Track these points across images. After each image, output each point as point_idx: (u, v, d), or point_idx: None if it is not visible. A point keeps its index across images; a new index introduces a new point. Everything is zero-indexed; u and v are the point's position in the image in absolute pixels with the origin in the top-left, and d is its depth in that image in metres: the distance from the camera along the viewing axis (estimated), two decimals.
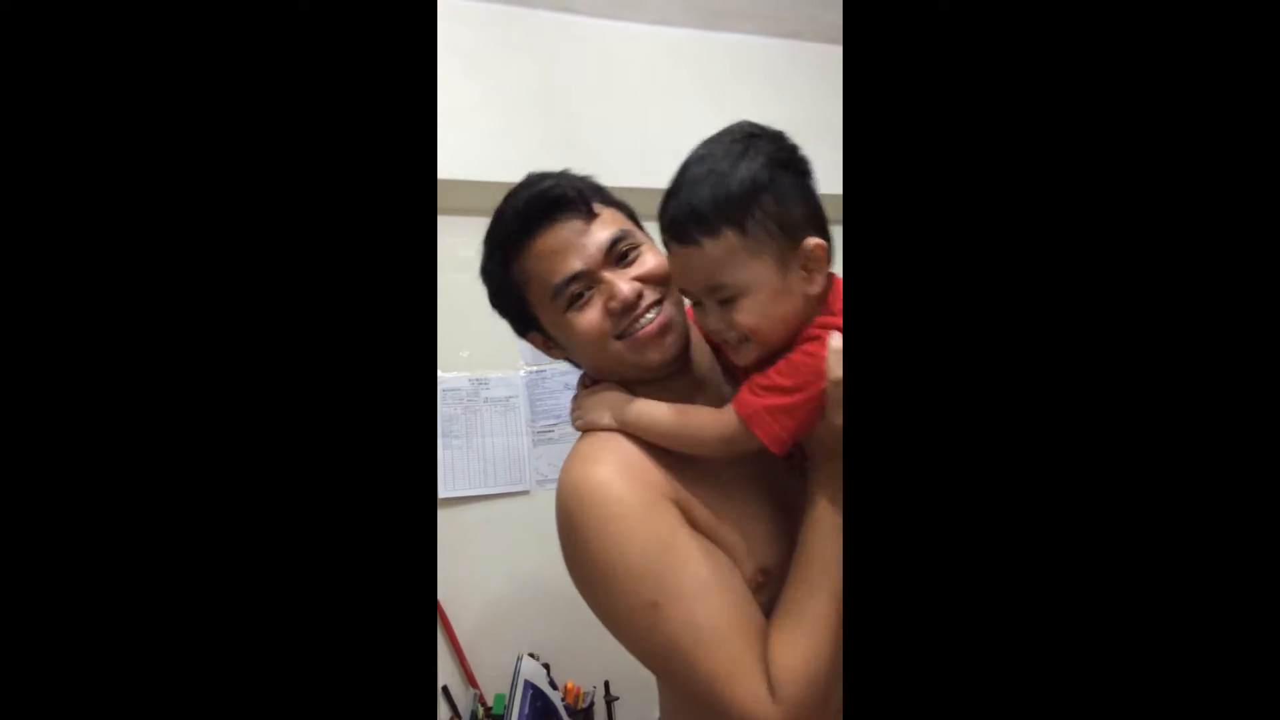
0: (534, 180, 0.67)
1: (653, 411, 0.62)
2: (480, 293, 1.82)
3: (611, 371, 0.65)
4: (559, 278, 0.62)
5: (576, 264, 0.62)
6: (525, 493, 1.54)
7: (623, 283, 0.62)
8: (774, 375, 0.56)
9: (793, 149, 0.59)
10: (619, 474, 0.60)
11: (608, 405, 0.64)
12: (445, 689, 1.33)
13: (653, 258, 0.64)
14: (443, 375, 1.57)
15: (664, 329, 0.62)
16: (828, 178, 0.61)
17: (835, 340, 0.53)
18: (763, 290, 0.57)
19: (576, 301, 0.63)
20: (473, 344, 1.61)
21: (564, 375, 1.65)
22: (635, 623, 0.57)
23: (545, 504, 1.53)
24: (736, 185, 0.56)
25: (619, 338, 0.62)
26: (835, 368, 0.52)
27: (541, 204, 0.64)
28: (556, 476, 1.56)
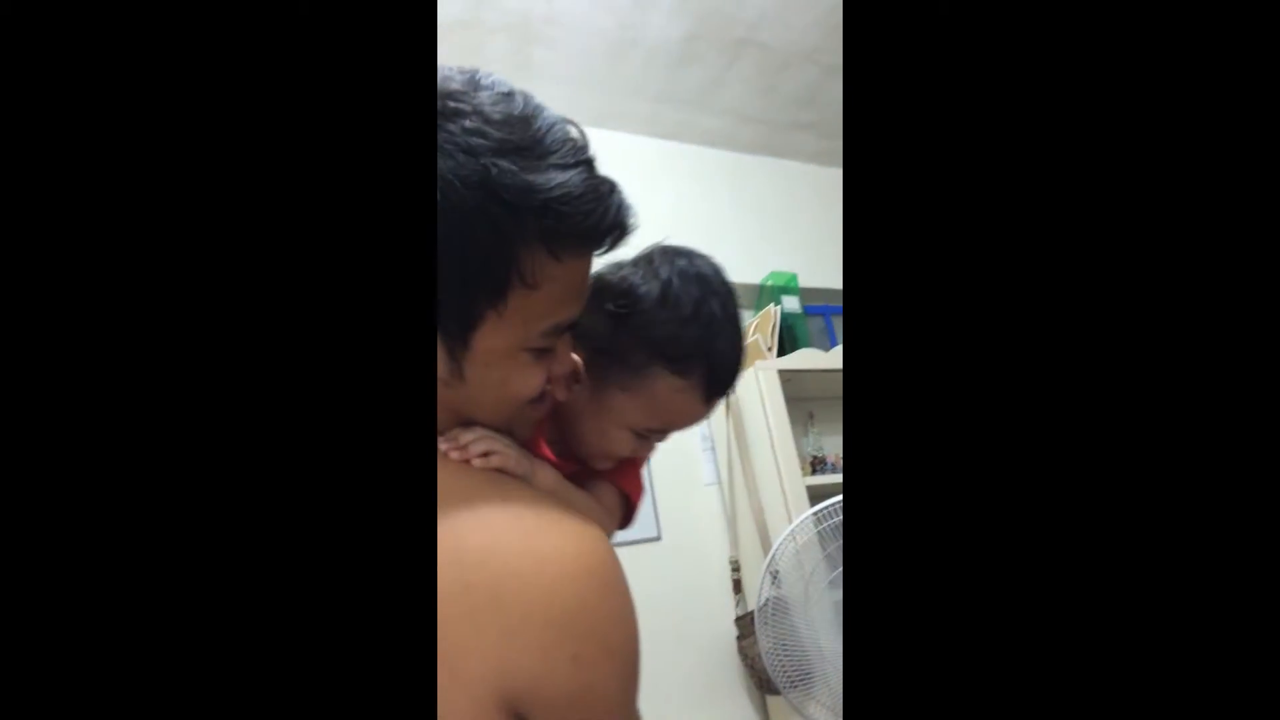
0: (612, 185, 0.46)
1: (556, 478, 0.53)
2: None
3: (498, 426, 0.50)
4: (559, 320, 0.46)
5: (575, 312, 0.47)
6: None
7: (568, 352, 0.51)
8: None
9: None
10: (605, 544, 0.47)
11: (524, 456, 0.50)
12: None
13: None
14: None
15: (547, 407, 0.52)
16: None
17: None
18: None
19: (540, 354, 0.47)
20: None
21: None
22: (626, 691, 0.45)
23: None
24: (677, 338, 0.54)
25: (534, 401, 0.50)
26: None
27: (623, 226, 0.46)
28: None
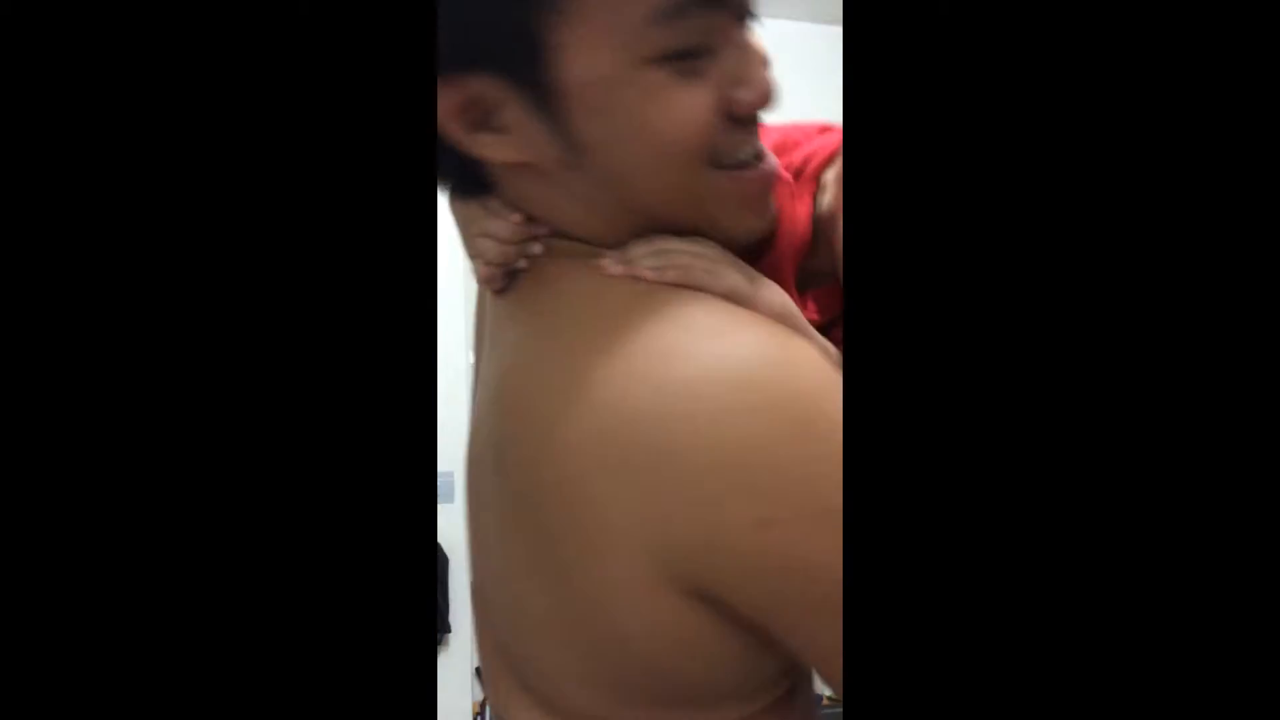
0: None
1: (786, 302, 0.34)
2: None
3: (687, 223, 0.33)
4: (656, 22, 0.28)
5: None
6: None
7: (758, 68, 0.32)
8: None
9: None
10: (824, 366, 0.32)
11: (731, 264, 0.33)
12: (478, 670, 1.35)
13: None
14: None
15: (766, 186, 0.34)
16: None
17: None
18: None
19: (688, 66, 0.30)
20: None
21: None
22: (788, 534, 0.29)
23: None
24: None
25: (717, 167, 0.32)
26: None
27: None
28: None
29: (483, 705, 1.31)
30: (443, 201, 0.37)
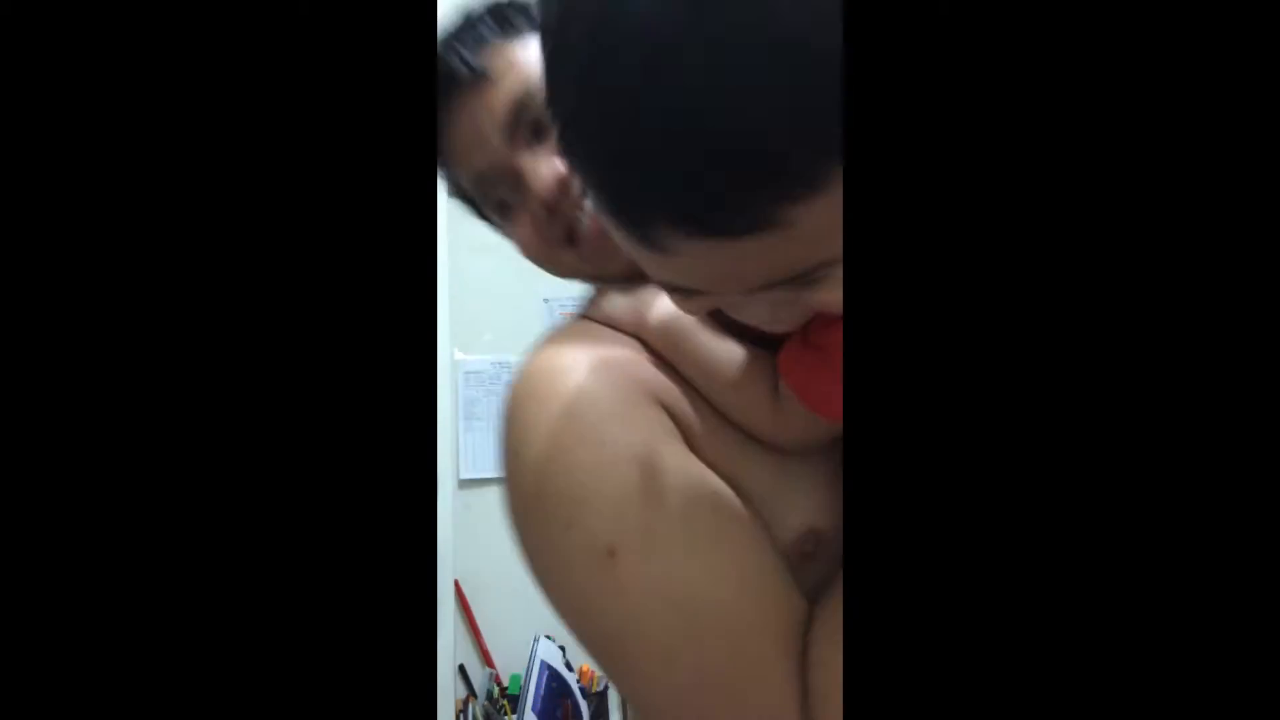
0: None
1: (693, 328, 0.38)
2: (504, 277, 1.83)
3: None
4: (466, 187, 0.44)
5: (479, 161, 0.41)
6: None
7: (542, 168, 0.39)
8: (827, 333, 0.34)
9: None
10: (594, 363, 0.37)
11: (634, 299, 0.39)
12: (462, 668, 1.35)
13: None
14: (465, 358, 1.58)
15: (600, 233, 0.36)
16: None
17: None
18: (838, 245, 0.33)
19: (506, 213, 0.43)
20: (496, 328, 1.61)
21: None
22: (577, 580, 0.36)
23: None
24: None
25: (571, 243, 0.41)
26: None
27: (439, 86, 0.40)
28: None
29: (465, 702, 1.31)
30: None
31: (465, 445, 1.51)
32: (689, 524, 0.34)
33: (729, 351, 0.37)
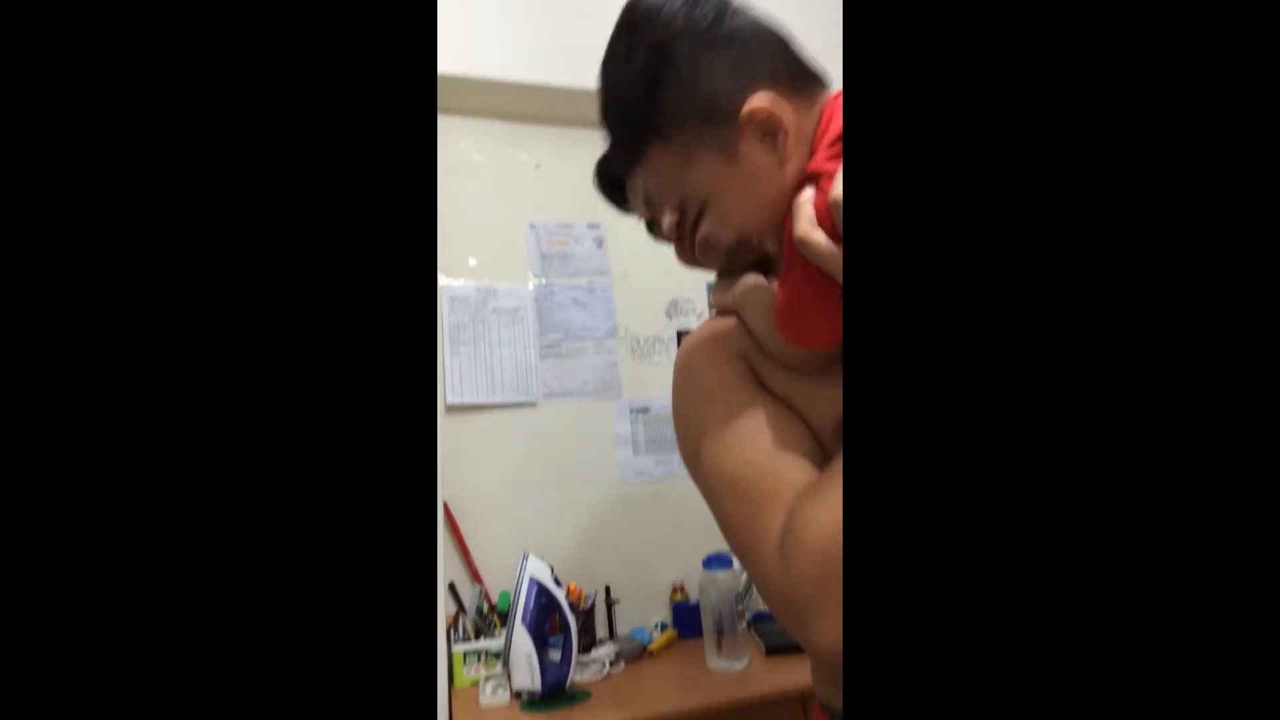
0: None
1: (753, 294, 0.58)
2: (489, 201, 1.77)
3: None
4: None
5: (641, 214, 0.69)
6: (532, 405, 1.55)
7: (665, 219, 0.60)
8: (782, 269, 0.51)
9: (685, 11, 0.50)
10: (707, 337, 0.59)
11: (726, 288, 0.62)
12: (452, 586, 1.39)
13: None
14: (450, 283, 1.55)
15: (705, 243, 0.59)
16: None
17: (803, 195, 0.47)
18: (722, 192, 0.52)
19: (658, 233, 0.68)
20: (480, 253, 1.58)
21: (572, 291, 1.63)
22: (690, 471, 0.59)
23: (552, 417, 1.57)
24: (629, 97, 0.52)
25: (691, 252, 0.63)
26: (802, 216, 0.47)
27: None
28: (563, 390, 1.58)
29: (456, 618, 1.35)
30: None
31: (452, 370, 1.51)
32: (739, 428, 0.54)
33: (760, 310, 0.55)
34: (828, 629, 0.43)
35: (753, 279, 0.57)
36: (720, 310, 0.61)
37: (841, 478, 0.44)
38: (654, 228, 0.67)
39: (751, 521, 0.49)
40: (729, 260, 0.61)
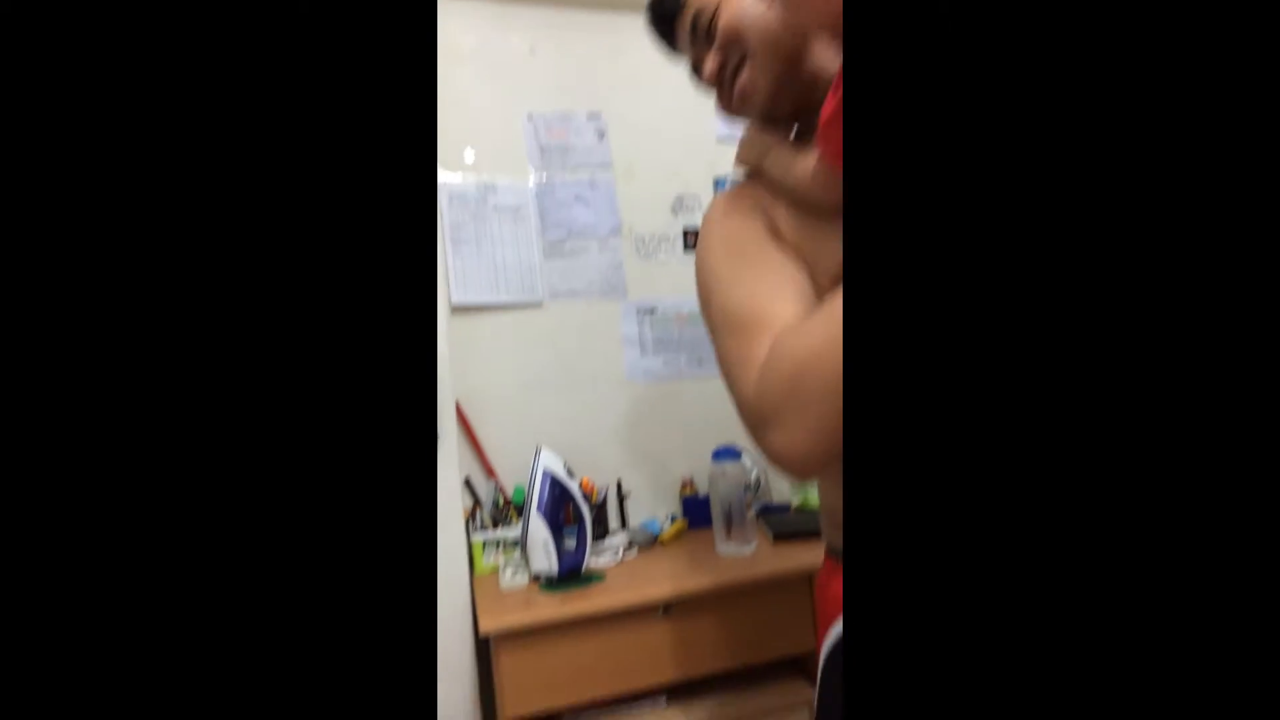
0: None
1: (779, 145, 0.66)
2: (481, 89, 1.68)
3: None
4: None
5: (689, 54, 0.70)
6: (538, 305, 1.54)
7: (708, 63, 0.66)
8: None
9: None
10: (730, 194, 0.67)
11: (749, 140, 0.69)
12: (467, 480, 1.44)
13: (724, 15, 0.64)
14: (448, 178, 1.50)
15: (744, 92, 0.65)
16: None
17: None
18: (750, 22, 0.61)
19: (699, 79, 0.70)
20: (477, 145, 1.52)
21: (574, 187, 1.58)
22: (704, 317, 0.64)
23: (558, 317, 1.56)
24: None
25: (729, 98, 0.68)
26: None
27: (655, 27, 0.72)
28: (568, 290, 1.57)
29: (473, 511, 1.41)
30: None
31: (455, 269, 1.49)
32: (746, 271, 0.60)
33: (787, 154, 0.63)
34: (787, 436, 0.49)
35: (776, 139, 0.65)
36: (744, 164, 0.68)
37: (825, 315, 0.49)
38: (697, 71, 0.69)
39: (741, 350, 0.55)
40: (766, 110, 0.65)
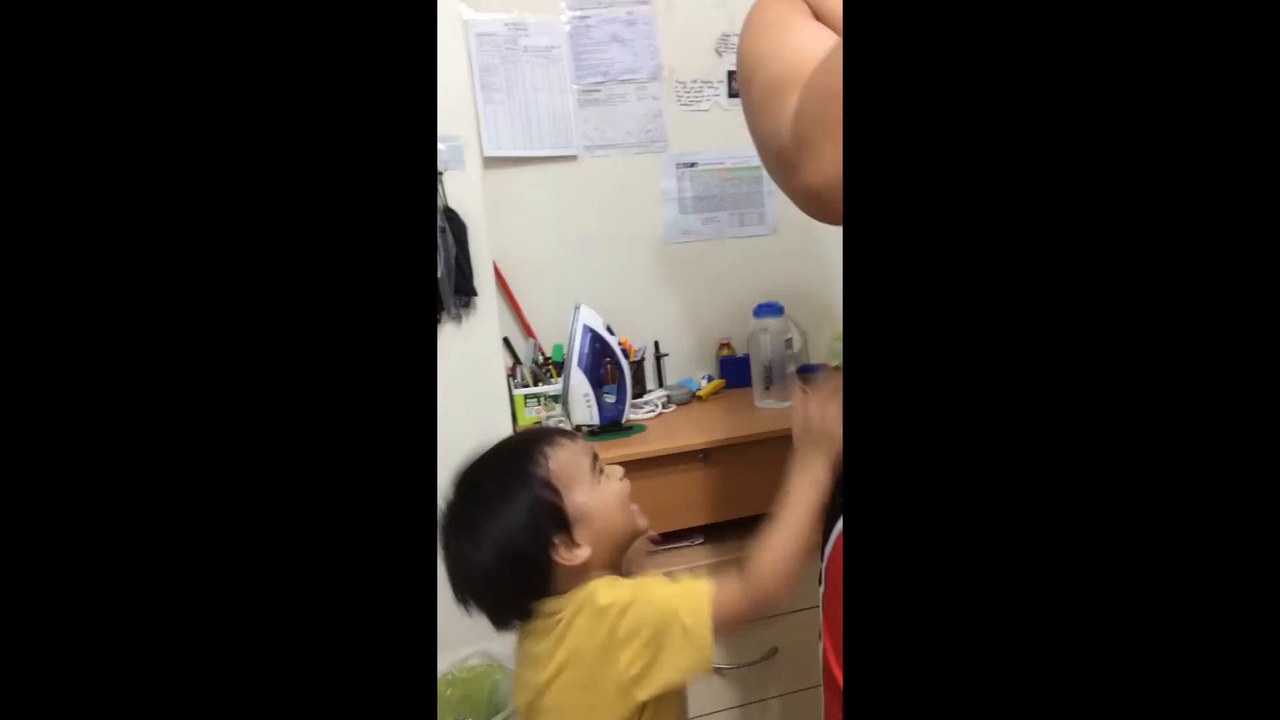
0: None
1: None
2: None
3: None
4: None
5: None
6: (573, 158, 1.48)
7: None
8: None
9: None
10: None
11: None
12: (506, 340, 1.47)
13: None
14: (474, 15, 1.38)
15: None
16: None
17: None
18: None
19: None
20: None
21: (610, 25, 1.45)
22: (744, 105, 0.65)
23: (594, 170, 1.50)
24: None
25: None
26: None
27: None
28: (604, 142, 1.49)
29: (514, 368, 1.44)
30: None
31: (486, 119, 1.42)
32: (783, 43, 0.60)
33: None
34: (818, 164, 0.49)
35: None
36: None
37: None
38: None
39: (779, 109, 0.55)
40: None
